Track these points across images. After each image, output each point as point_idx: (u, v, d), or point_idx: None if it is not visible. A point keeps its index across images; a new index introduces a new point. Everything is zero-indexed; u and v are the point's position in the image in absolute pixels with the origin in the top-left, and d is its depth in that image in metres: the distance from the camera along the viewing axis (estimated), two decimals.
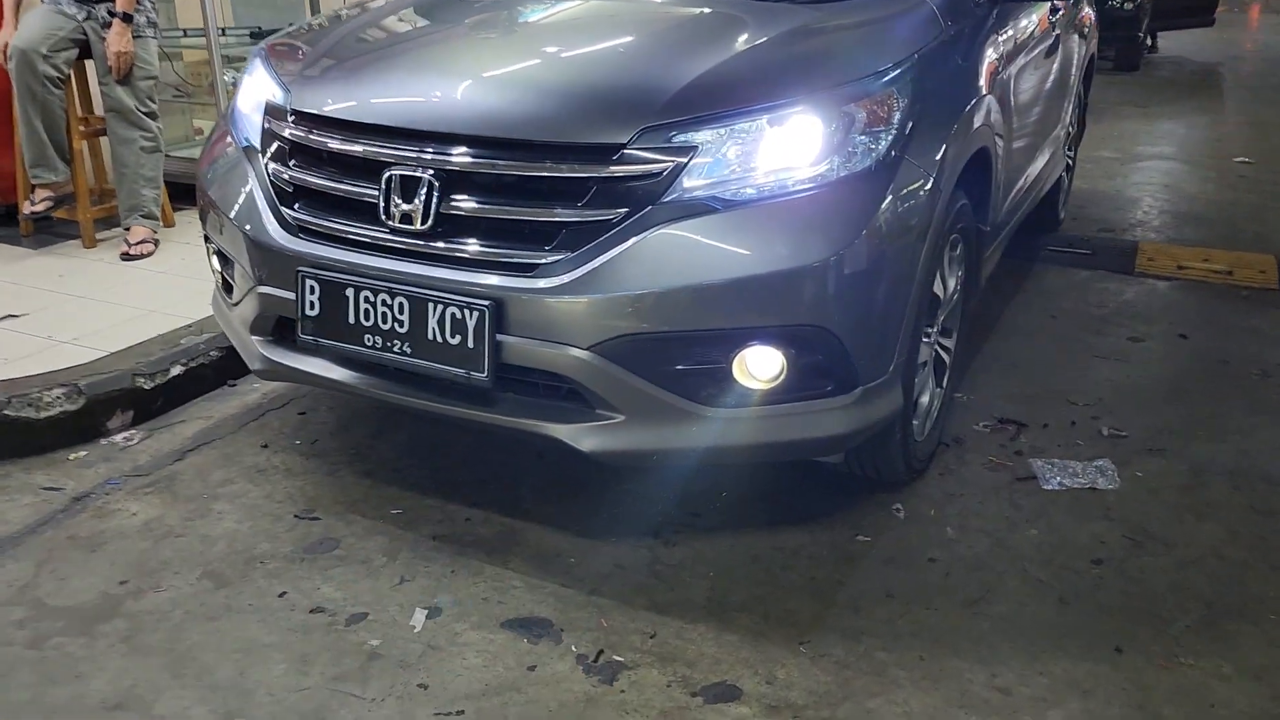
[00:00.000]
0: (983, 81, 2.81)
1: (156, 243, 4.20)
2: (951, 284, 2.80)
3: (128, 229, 4.17)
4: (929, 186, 2.35)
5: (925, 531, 2.59)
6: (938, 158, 2.40)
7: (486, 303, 2.18)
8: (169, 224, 4.47)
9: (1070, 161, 5.19)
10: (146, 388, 3.09)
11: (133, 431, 3.04)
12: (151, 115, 4.18)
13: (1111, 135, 7.58)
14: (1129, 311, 4.16)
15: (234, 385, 3.33)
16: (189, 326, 3.41)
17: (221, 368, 3.29)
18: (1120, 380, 3.50)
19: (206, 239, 2.77)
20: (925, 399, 2.78)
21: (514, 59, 2.50)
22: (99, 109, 4.35)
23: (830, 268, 2.16)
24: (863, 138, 2.25)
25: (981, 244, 3.01)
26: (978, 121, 2.69)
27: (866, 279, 2.22)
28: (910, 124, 2.33)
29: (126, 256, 4.10)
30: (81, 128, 4.32)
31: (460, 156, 2.25)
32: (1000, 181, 3.10)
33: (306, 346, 2.43)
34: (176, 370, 3.18)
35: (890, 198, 2.25)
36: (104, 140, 4.39)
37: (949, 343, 2.91)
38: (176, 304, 3.59)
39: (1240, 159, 6.90)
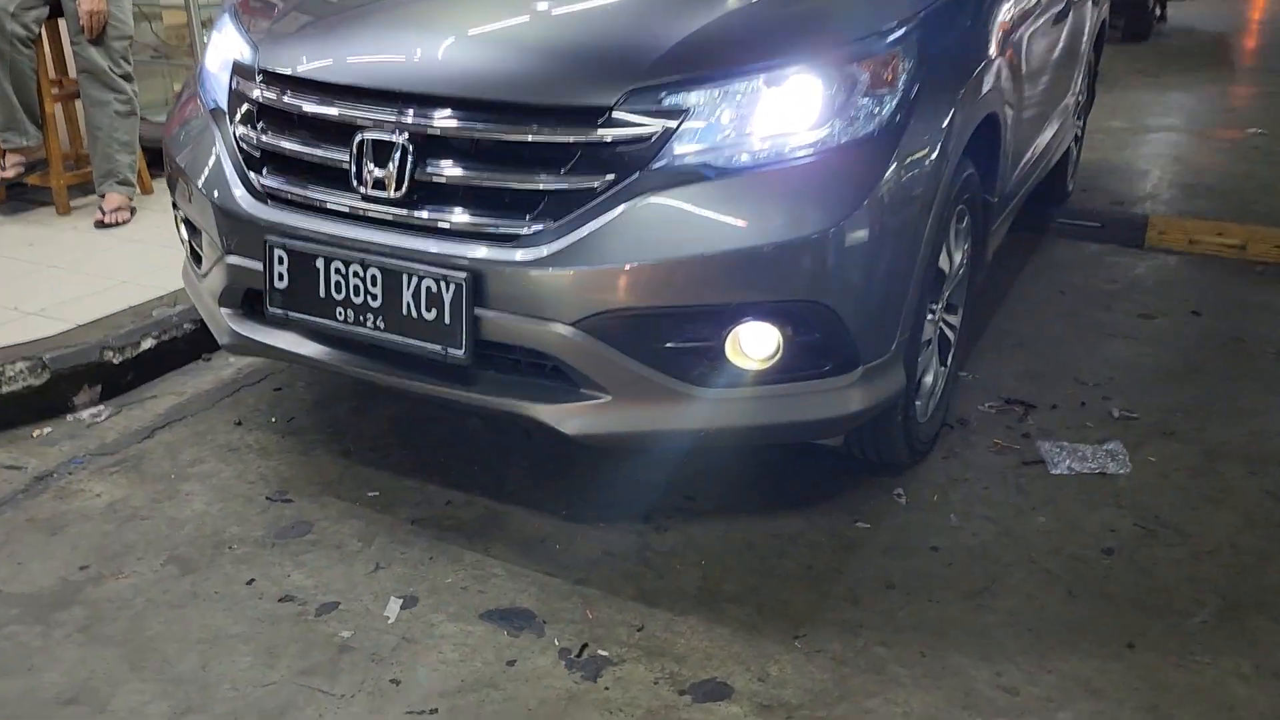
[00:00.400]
0: (992, 44, 2.66)
1: (133, 210, 4.06)
2: (957, 258, 2.66)
3: (102, 196, 4.03)
4: (935, 154, 2.21)
5: (928, 518, 2.47)
6: (945, 124, 2.25)
7: (464, 275, 2.05)
8: (146, 191, 4.32)
9: (1079, 131, 5.04)
10: (115, 362, 2.96)
11: (100, 407, 2.91)
12: (126, 77, 4.02)
13: (1121, 105, 7.39)
14: (1140, 287, 4.02)
15: (208, 360, 3.20)
16: (162, 298, 3.28)
17: (195, 341, 3.16)
18: (1131, 359, 3.36)
19: (175, 206, 2.63)
20: (929, 379, 2.65)
21: (494, 16, 2.34)
22: (73, 71, 4.18)
23: (830, 240, 2.02)
24: (865, 101, 2.11)
25: (989, 216, 2.87)
26: (986, 86, 2.54)
27: (868, 252, 2.08)
28: (916, 87, 2.18)
29: (101, 225, 3.95)
30: (54, 90, 4.16)
31: (436, 119, 2.11)
32: (1009, 150, 2.95)
33: (276, 320, 2.30)
34: (148, 344, 3.05)
35: (894, 165, 2.11)
36: (79, 104, 4.23)
37: (954, 320, 2.78)
38: (151, 274, 3.45)
39: (1253, 130, 6.73)
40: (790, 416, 2.15)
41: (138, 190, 4.18)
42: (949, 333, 2.76)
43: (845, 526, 2.42)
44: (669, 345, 2.06)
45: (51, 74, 4.22)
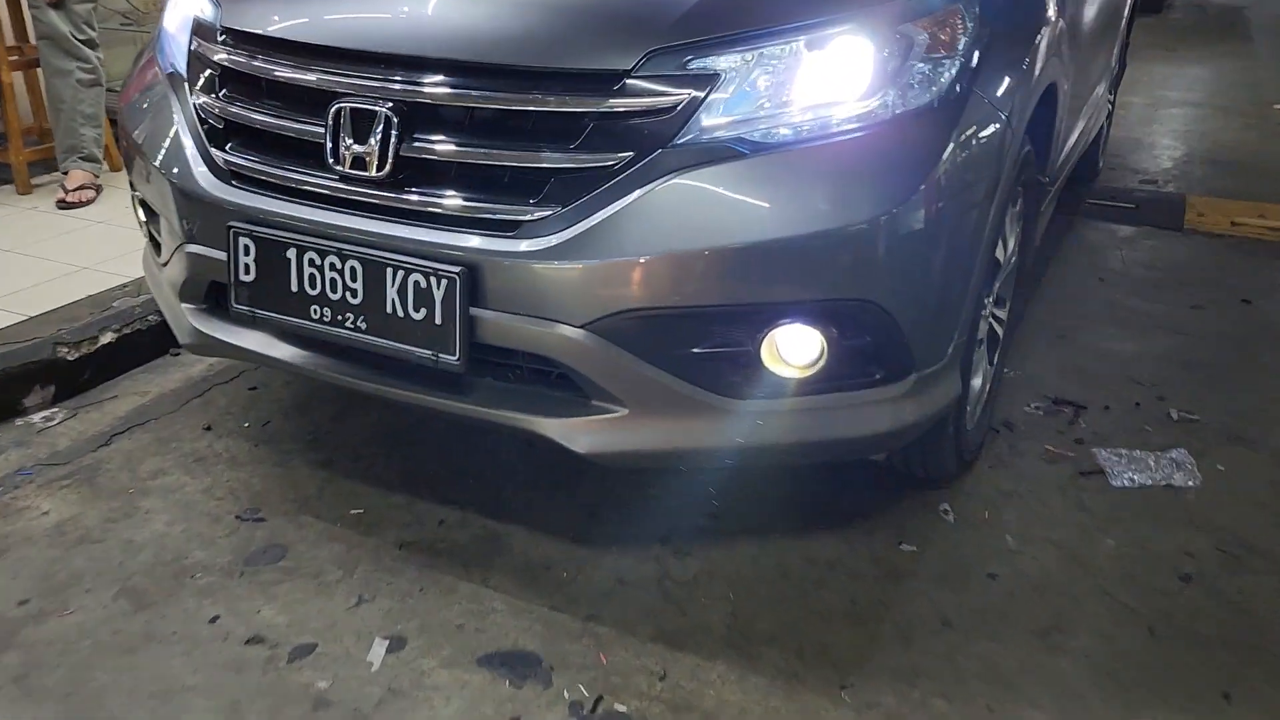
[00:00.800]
0: (1051, 4, 2.37)
1: (98, 189, 3.75)
2: (1010, 245, 2.37)
3: (65, 173, 3.72)
4: (1000, 129, 1.92)
5: (980, 540, 2.20)
6: (1010, 94, 1.97)
7: (457, 269, 1.76)
8: (115, 168, 4.01)
9: (1110, 105, 4.75)
10: (71, 359, 2.67)
11: (54, 410, 2.62)
12: (90, 44, 3.71)
13: (1141, 80, 7.10)
14: (1183, 274, 3.74)
15: (176, 354, 2.91)
16: (125, 286, 2.98)
17: (161, 334, 2.86)
18: (1184, 353, 3.09)
19: (132, 186, 2.33)
20: (977, 380, 2.37)
21: None
22: (33, 37, 3.86)
23: (882, 228, 1.74)
24: (923, 66, 1.81)
25: (1040, 198, 2.58)
26: (1049, 52, 2.25)
27: (926, 242, 1.80)
28: (979, 51, 1.89)
29: (63, 204, 3.65)
30: (12, 58, 3.83)
31: (424, 86, 1.81)
32: (1062, 125, 2.67)
33: (242, 318, 2.01)
34: (107, 338, 2.76)
35: (955, 142, 1.82)
36: (40, 72, 3.92)
37: (1002, 314, 2.50)
38: (115, 260, 3.16)
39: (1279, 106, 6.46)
40: (835, 432, 1.87)
41: (105, 167, 3.88)
42: (997, 328, 2.47)
43: (889, 550, 2.15)
44: (695, 351, 1.77)
45: (9, 40, 3.89)
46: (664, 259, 1.71)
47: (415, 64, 1.83)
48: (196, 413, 2.63)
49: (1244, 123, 6.11)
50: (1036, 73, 2.15)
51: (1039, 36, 2.19)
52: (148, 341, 2.85)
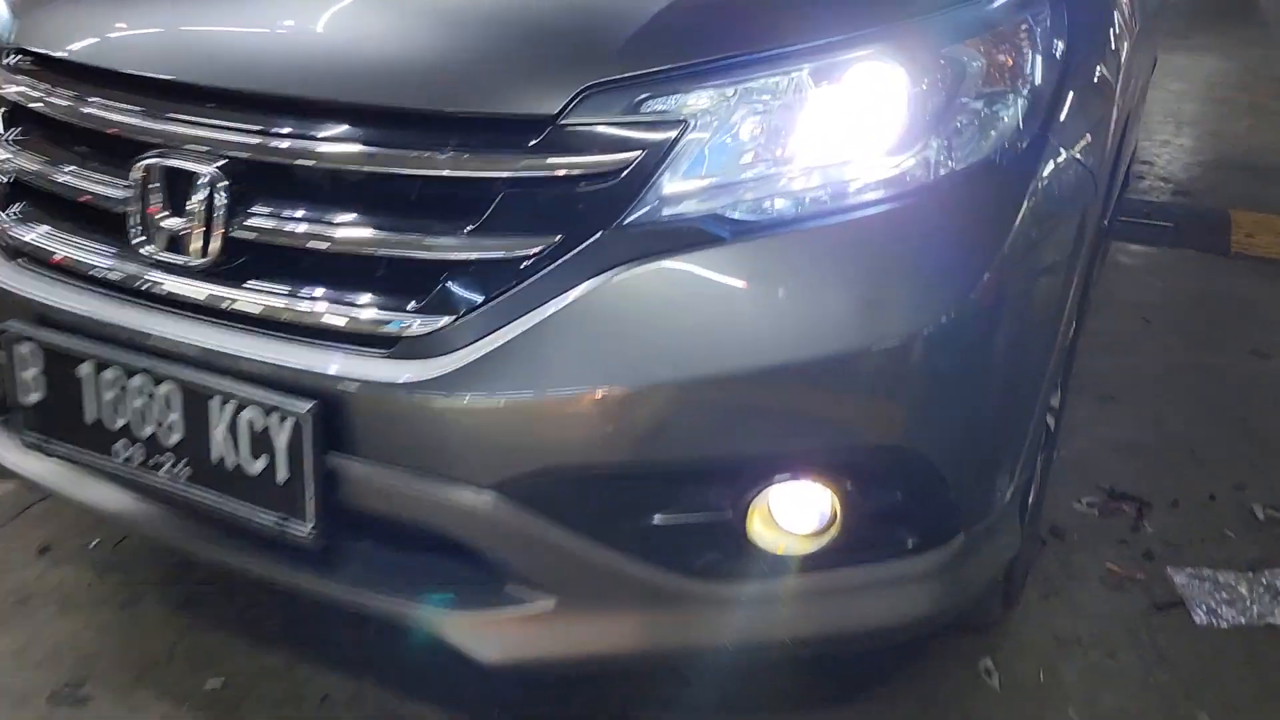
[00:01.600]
0: (1127, 10, 1.83)
1: None
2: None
3: None
4: (1083, 185, 1.39)
5: (1035, 714, 1.67)
6: (1096, 133, 1.43)
7: (307, 405, 1.21)
8: None
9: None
10: None
11: None
12: None
13: (1158, 73, 6.55)
14: (1239, 309, 3.22)
15: None
16: None
17: None
18: (1255, 421, 2.57)
19: None
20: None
21: None
22: None
23: (925, 346, 1.19)
24: (977, 105, 1.27)
25: (1105, 248, 2.05)
26: (1130, 68, 1.71)
27: (985, 359, 1.26)
28: (1055, 78, 1.35)
29: None
30: None
31: (266, 135, 1.26)
32: (1128, 151, 2.13)
33: (34, 445, 1.46)
34: None
35: (1027, 212, 1.27)
36: None
37: (1056, 401, 1.96)
38: None
39: None
40: (853, 621, 1.32)
41: None
42: (1050, 421, 1.94)
43: None
44: (656, 520, 1.23)
45: None
46: (608, 393, 1.16)
47: (253, 104, 1.28)
48: (34, 526, 2.07)
49: (1277, 121, 5.59)
50: (1119, 99, 1.61)
51: (1122, 50, 1.65)
52: None
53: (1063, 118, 1.34)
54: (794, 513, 1.25)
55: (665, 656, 1.37)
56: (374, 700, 1.66)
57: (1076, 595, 1.94)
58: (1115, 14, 1.72)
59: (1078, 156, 1.35)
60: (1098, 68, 1.51)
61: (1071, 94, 1.37)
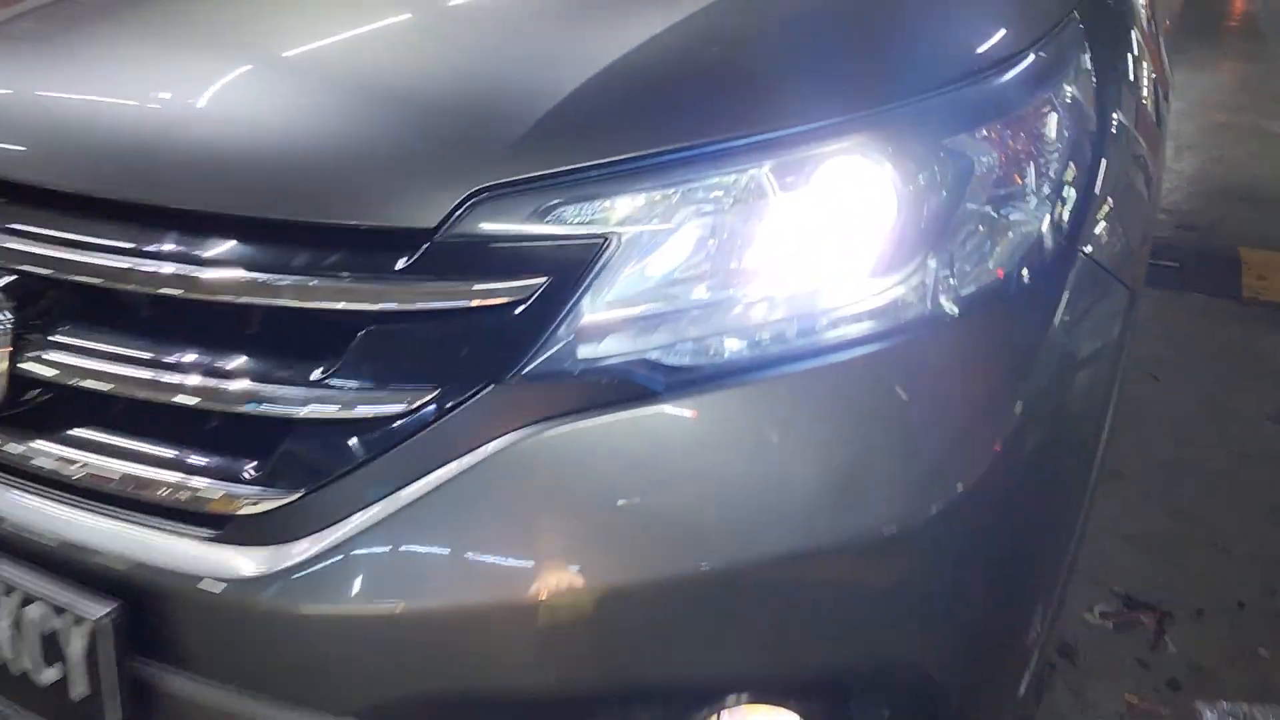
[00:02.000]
0: (1150, 55, 1.55)
1: None
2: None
3: None
4: (1121, 305, 1.10)
5: None
6: (1133, 234, 1.15)
7: (108, 606, 0.92)
8: None
9: None
10: None
11: None
12: None
13: None
14: (1255, 365, 2.94)
15: None
16: None
17: None
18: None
19: None
20: None
21: (212, 46, 1.19)
22: None
23: (925, 537, 0.90)
24: (989, 211, 0.98)
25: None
26: (1164, 135, 1.43)
27: (1003, 541, 0.97)
28: (1088, 169, 1.06)
29: None
30: None
31: (63, 246, 0.97)
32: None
33: None
34: None
35: (1051, 350, 0.99)
36: None
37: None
38: None
39: None
40: None
41: None
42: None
43: None
44: None
45: None
46: (502, 600, 0.87)
47: (55, 204, 0.98)
48: None
49: None
50: (1154, 173, 1.33)
51: (1157, 112, 1.37)
52: None
53: (1096, 219, 1.06)
54: None
55: None
56: None
57: None
58: (1145, 64, 1.45)
59: (1113, 270, 1.07)
60: (1133, 144, 1.22)
61: (1103, 185, 1.09)
